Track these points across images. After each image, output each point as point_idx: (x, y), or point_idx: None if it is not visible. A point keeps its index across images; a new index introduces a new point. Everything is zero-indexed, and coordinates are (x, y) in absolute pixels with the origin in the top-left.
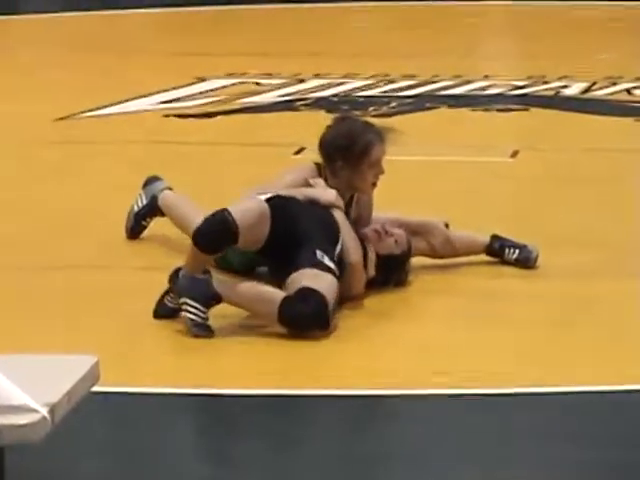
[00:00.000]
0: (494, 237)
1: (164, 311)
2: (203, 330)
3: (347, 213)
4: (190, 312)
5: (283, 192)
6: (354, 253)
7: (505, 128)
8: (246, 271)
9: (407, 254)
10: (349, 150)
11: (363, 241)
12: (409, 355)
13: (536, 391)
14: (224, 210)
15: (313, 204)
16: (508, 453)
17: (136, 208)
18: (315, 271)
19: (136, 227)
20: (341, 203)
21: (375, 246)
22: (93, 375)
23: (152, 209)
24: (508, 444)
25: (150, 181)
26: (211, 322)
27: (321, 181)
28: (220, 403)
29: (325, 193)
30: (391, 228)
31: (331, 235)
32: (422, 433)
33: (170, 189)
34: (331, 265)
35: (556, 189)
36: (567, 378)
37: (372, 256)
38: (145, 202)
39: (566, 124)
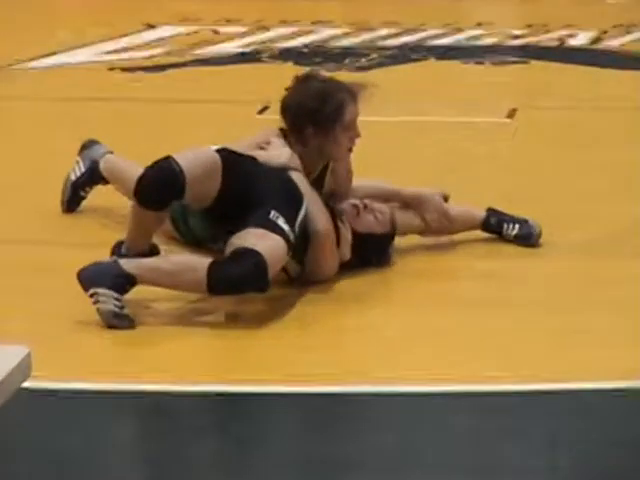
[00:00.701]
0: (490, 211)
1: None
2: (122, 320)
3: (321, 185)
4: (102, 302)
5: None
6: (321, 220)
7: (501, 83)
8: (209, 238)
9: (390, 234)
10: (319, 113)
11: (336, 217)
12: (383, 347)
13: (527, 389)
14: (168, 157)
15: (271, 166)
16: (495, 461)
17: (73, 177)
18: (261, 231)
19: (73, 198)
20: (297, 164)
21: (352, 222)
22: (23, 369)
23: (92, 176)
24: (495, 449)
25: (88, 145)
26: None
27: (278, 141)
28: (166, 401)
29: (277, 153)
30: (373, 203)
31: (292, 199)
32: (390, 437)
33: (112, 153)
34: (285, 227)
35: (560, 154)
36: (570, 374)
37: (347, 235)
38: (84, 169)
39: (571, 79)
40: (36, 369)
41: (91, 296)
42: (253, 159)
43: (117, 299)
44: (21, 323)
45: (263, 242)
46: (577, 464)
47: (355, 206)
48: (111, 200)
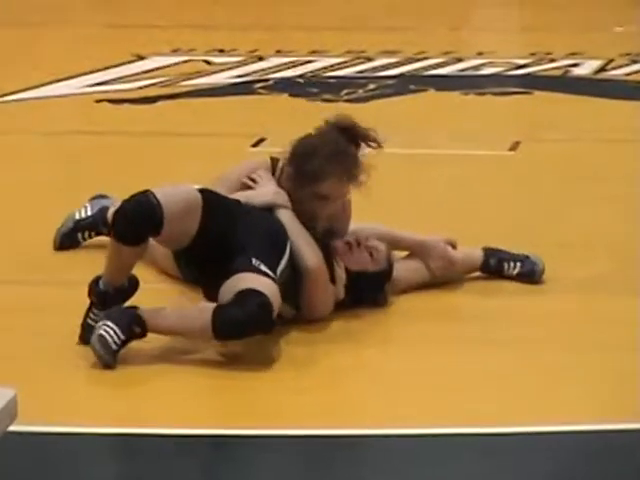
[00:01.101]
0: (488, 251)
1: (90, 334)
2: (109, 355)
3: (313, 227)
4: (105, 331)
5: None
6: (310, 257)
7: (503, 115)
8: None
9: (385, 272)
10: (299, 165)
11: (331, 255)
12: (379, 388)
13: (526, 431)
14: (147, 191)
15: (255, 207)
16: None
17: (77, 216)
18: (251, 275)
19: (70, 236)
20: (284, 200)
21: (344, 260)
22: (10, 412)
23: (96, 222)
24: None
25: (99, 196)
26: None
27: (265, 175)
28: (155, 444)
29: (262, 191)
30: (368, 240)
31: (275, 246)
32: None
33: None
34: (269, 272)
35: (563, 187)
36: (568, 415)
37: (341, 274)
38: (90, 212)
39: (575, 110)
40: (22, 412)
41: (97, 327)
42: (235, 200)
43: (119, 338)
44: (7, 364)
45: (259, 283)
46: None
47: (347, 243)
48: (99, 239)
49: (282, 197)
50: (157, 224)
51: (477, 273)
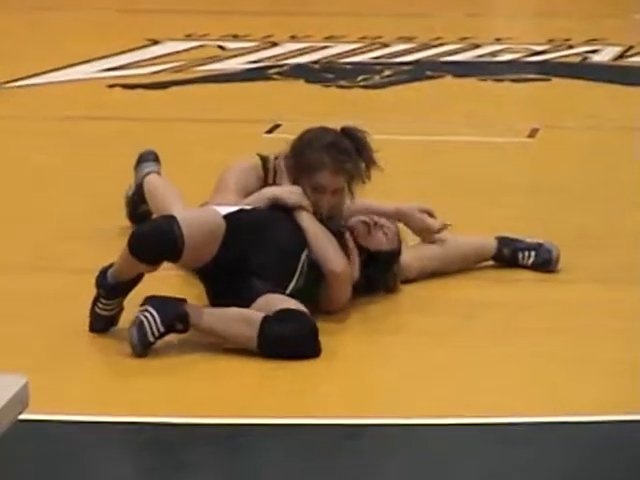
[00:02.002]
0: (502, 240)
1: (99, 322)
2: (142, 344)
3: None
4: (145, 317)
5: (245, 202)
6: (336, 260)
7: (521, 102)
8: None
9: (397, 251)
10: (297, 157)
11: (342, 238)
12: (392, 378)
13: (542, 421)
14: (171, 217)
15: (276, 210)
16: None
17: (130, 192)
18: (280, 296)
19: (135, 212)
20: (307, 203)
21: (363, 240)
22: (21, 400)
23: (142, 196)
24: None
25: (140, 159)
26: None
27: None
28: (166, 433)
29: (290, 194)
30: (380, 219)
31: (287, 267)
32: (402, 469)
33: (156, 173)
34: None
35: (581, 175)
36: (587, 407)
37: (355, 256)
38: (134, 189)
39: (594, 97)
40: (34, 400)
41: (139, 311)
42: (256, 216)
43: (158, 329)
44: (18, 352)
45: (293, 304)
46: None
47: (366, 223)
48: (107, 223)
49: (306, 200)
50: (176, 255)
51: (491, 262)
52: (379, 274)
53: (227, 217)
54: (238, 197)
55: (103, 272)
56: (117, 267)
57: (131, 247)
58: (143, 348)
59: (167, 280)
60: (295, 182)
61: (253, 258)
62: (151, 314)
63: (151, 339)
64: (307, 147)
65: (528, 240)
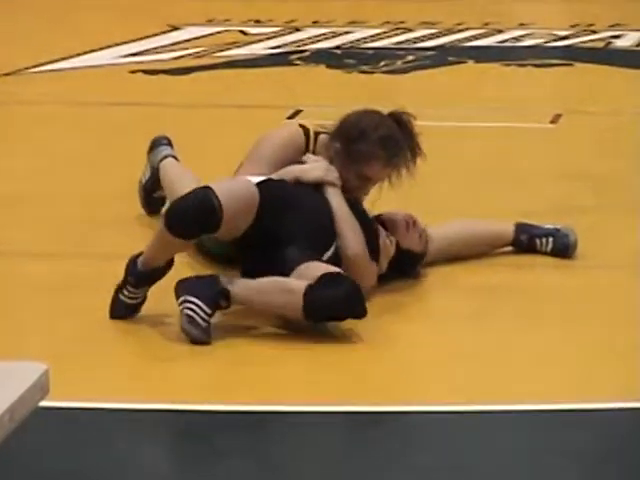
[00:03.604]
0: (519, 226)
1: (121, 310)
2: (202, 334)
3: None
4: (191, 309)
5: (272, 175)
6: (353, 244)
7: (544, 87)
8: (225, 256)
9: (424, 254)
10: (348, 143)
11: (376, 233)
12: (415, 365)
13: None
14: (207, 188)
15: (302, 186)
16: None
17: (143, 179)
18: (320, 263)
19: (149, 201)
20: (334, 177)
21: (400, 237)
22: (41, 386)
23: (157, 181)
24: (539, 468)
25: (154, 144)
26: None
27: (311, 156)
28: (188, 420)
29: (312, 169)
30: (416, 219)
31: (321, 239)
32: (426, 457)
33: (174, 157)
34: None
35: (605, 160)
36: (611, 394)
37: (390, 250)
38: (148, 174)
39: (618, 82)
40: (54, 387)
41: (180, 304)
42: (289, 188)
43: (206, 313)
44: (39, 339)
45: (334, 269)
46: None
47: (407, 221)
48: (131, 209)
49: (333, 174)
50: (215, 226)
51: (509, 248)
52: (405, 272)
53: (259, 186)
54: (270, 170)
55: (133, 260)
56: (149, 252)
57: (169, 222)
58: (202, 334)
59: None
60: (339, 166)
61: (288, 227)
62: (193, 303)
63: (204, 325)
64: (361, 136)
65: (545, 226)
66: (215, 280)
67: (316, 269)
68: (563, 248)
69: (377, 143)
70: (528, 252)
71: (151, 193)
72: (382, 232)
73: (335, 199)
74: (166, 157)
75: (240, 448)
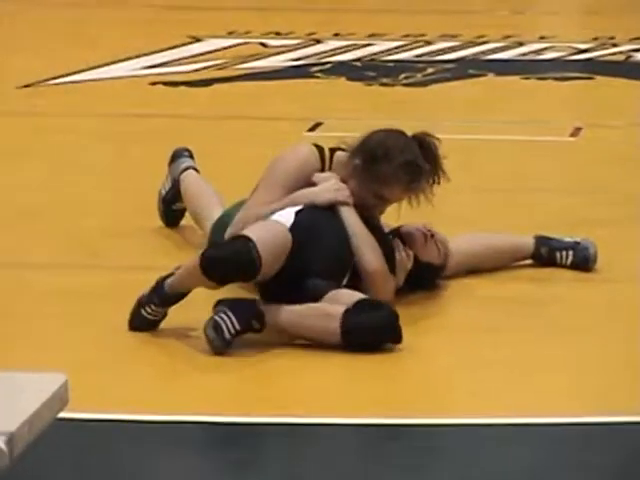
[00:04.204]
0: (539, 239)
1: (142, 324)
2: (222, 344)
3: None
4: (221, 318)
5: (282, 204)
6: (369, 260)
7: (564, 100)
8: None
9: (444, 267)
10: (370, 163)
11: (393, 247)
12: (434, 378)
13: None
14: (248, 240)
15: (318, 210)
16: None
17: (163, 191)
18: (348, 290)
19: (168, 213)
20: (346, 196)
21: (418, 250)
22: (61, 397)
23: (177, 193)
24: None
25: (175, 156)
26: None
27: (320, 175)
28: (205, 431)
29: (323, 191)
30: (436, 232)
31: (339, 266)
32: (446, 470)
33: (194, 169)
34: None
35: (626, 174)
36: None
37: (407, 264)
38: (168, 186)
39: (638, 96)
40: (73, 398)
41: (214, 312)
42: (311, 220)
43: (235, 328)
44: (58, 350)
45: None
46: None
47: (424, 234)
48: (150, 221)
49: (344, 193)
50: (253, 277)
51: (529, 261)
52: (424, 285)
53: (292, 229)
54: (285, 195)
55: (161, 281)
56: (179, 280)
57: (206, 268)
58: (222, 345)
59: None
60: (358, 183)
61: (309, 257)
62: (226, 314)
63: (228, 337)
64: (384, 158)
65: (565, 239)
66: (253, 303)
67: (347, 296)
68: (583, 261)
69: (400, 167)
70: (548, 265)
71: (170, 205)
72: (399, 245)
73: (350, 218)
74: (187, 169)
75: (260, 461)
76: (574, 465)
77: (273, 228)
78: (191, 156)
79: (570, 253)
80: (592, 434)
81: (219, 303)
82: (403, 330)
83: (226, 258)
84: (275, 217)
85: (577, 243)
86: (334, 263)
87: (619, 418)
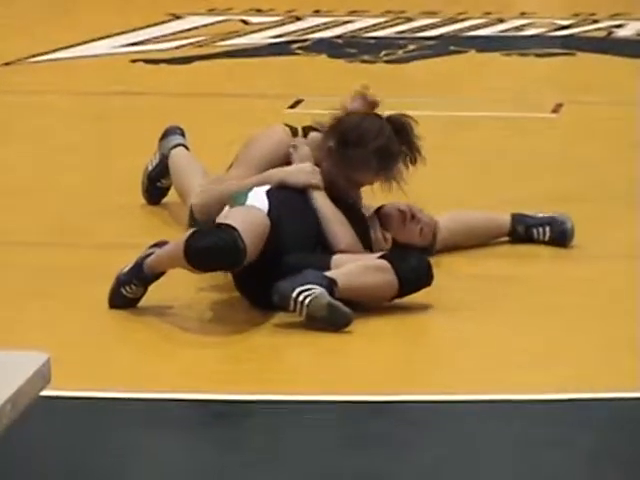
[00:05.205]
0: (515, 217)
1: (122, 302)
2: (338, 312)
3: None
4: (316, 295)
5: (252, 182)
6: (342, 237)
7: (546, 77)
8: None
9: (429, 249)
10: (343, 147)
11: (367, 223)
12: (420, 354)
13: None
14: (234, 230)
15: (288, 190)
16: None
17: (149, 167)
18: (347, 255)
19: (152, 190)
20: (318, 179)
21: (395, 231)
22: (43, 376)
23: (164, 170)
24: (539, 460)
25: (166, 134)
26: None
27: (302, 149)
28: (185, 409)
29: (296, 172)
30: (421, 212)
31: (309, 243)
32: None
33: (182, 146)
34: None
35: (607, 151)
36: (617, 385)
37: (384, 244)
38: (156, 162)
39: (619, 72)
40: (55, 376)
41: (300, 293)
42: (279, 196)
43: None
44: (39, 329)
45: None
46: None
47: (403, 213)
48: (133, 199)
49: (316, 177)
50: (238, 266)
51: (506, 238)
52: None
53: (270, 212)
54: (258, 173)
55: (140, 262)
56: (159, 261)
57: (191, 259)
58: (334, 311)
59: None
60: (330, 166)
61: (284, 239)
62: (315, 289)
63: (333, 302)
64: (357, 143)
65: (539, 215)
66: (320, 273)
67: (353, 258)
68: (561, 236)
69: (372, 153)
70: (526, 242)
71: (155, 182)
72: (376, 225)
73: (319, 199)
74: (177, 146)
75: (242, 438)
76: (553, 441)
77: (253, 215)
78: (183, 134)
79: (547, 229)
80: (570, 410)
81: (288, 283)
82: (383, 310)
83: (212, 248)
84: (251, 201)
85: (552, 218)
86: (305, 240)
87: (597, 394)
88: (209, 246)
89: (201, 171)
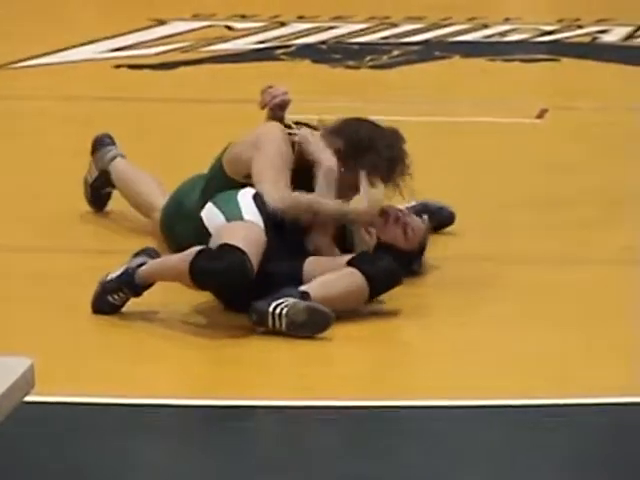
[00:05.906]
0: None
1: (107, 308)
2: (318, 315)
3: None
4: (290, 304)
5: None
6: (325, 160)
7: (530, 82)
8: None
9: (415, 254)
10: (352, 151)
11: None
12: (408, 359)
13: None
14: (241, 252)
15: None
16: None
17: (89, 179)
18: (323, 257)
19: (96, 197)
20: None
21: (378, 229)
22: (27, 381)
23: (106, 181)
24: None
25: (99, 145)
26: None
27: (316, 140)
28: (175, 415)
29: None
30: (411, 216)
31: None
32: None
33: (121, 156)
34: None
35: (591, 156)
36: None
37: (368, 239)
38: (95, 174)
39: (604, 77)
40: (39, 381)
41: (277, 306)
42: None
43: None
44: (23, 334)
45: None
46: None
47: (386, 215)
48: (116, 204)
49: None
50: (244, 287)
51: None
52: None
53: (266, 225)
54: (282, 173)
55: (132, 271)
56: (154, 273)
57: (198, 280)
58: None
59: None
60: (339, 166)
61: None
62: (288, 300)
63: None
64: (367, 149)
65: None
66: (295, 288)
67: (329, 260)
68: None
69: (387, 162)
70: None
71: (99, 190)
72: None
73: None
74: (115, 157)
75: (226, 442)
76: (536, 446)
77: (255, 232)
78: (114, 143)
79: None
80: (555, 415)
81: (258, 304)
82: (370, 316)
83: (220, 272)
84: (248, 217)
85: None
86: (286, 252)
87: (580, 400)
88: (217, 269)
89: (149, 178)
